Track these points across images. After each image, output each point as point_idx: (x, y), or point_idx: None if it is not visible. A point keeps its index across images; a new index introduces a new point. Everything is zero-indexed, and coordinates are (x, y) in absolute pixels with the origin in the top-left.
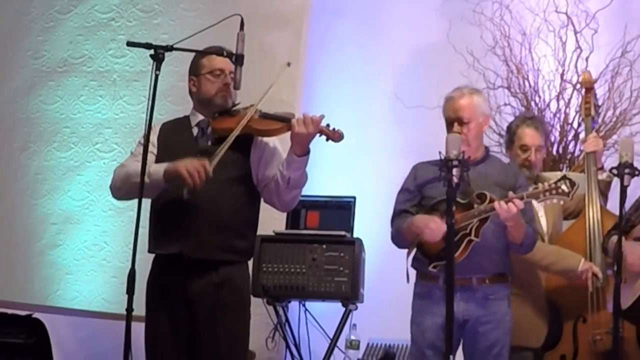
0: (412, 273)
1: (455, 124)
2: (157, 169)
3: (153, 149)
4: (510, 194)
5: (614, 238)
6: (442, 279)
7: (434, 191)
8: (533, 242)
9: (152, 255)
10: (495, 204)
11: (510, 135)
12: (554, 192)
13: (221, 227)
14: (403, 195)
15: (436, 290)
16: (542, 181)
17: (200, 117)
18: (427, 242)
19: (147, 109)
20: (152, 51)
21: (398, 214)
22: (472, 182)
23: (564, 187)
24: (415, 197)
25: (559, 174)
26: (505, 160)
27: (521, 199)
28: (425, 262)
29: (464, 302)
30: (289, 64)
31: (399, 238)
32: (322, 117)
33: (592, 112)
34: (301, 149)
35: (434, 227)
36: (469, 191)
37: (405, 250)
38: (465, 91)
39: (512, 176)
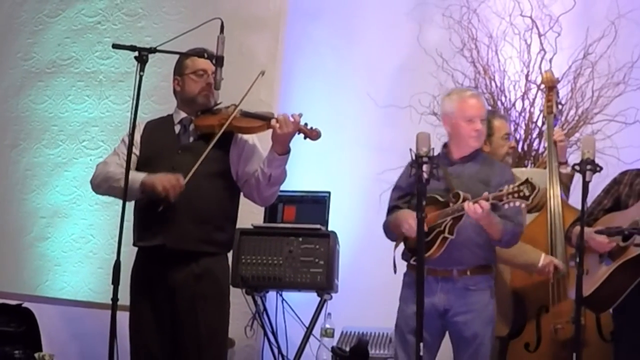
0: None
1: (476, 122)
2: (134, 179)
3: (135, 150)
4: (486, 194)
5: (577, 228)
6: (426, 270)
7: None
8: (513, 237)
9: (137, 248)
10: (465, 204)
11: (487, 129)
12: (516, 195)
13: (201, 220)
14: (395, 193)
15: None
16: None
17: (184, 114)
18: (409, 237)
19: (132, 108)
20: (136, 53)
21: (390, 210)
22: (456, 179)
23: (525, 191)
24: (407, 194)
25: (525, 171)
26: None
27: (486, 200)
28: (409, 255)
29: (444, 293)
30: (262, 73)
31: (388, 232)
32: (300, 115)
33: (554, 109)
34: (282, 148)
35: (412, 223)
36: (451, 188)
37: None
38: (472, 91)
39: (499, 174)
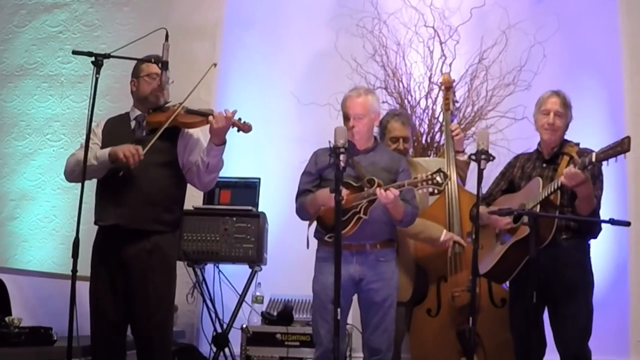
0: (314, 241)
1: (350, 119)
2: (103, 153)
3: (97, 140)
4: (402, 182)
5: (480, 208)
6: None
7: (333, 174)
8: (412, 218)
9: (94, 226)
10: (377, 190)
11: (382, 129)
12: (430, 182)
13: (152, 202)
14: (305, 178)
15: None
16: (411, 165)
17: (138, 112)
18: (325, 215)
19: (89, 106)
20: (93, 58)
21: (301, 193)
22: (363, 168)
23: (438, 178)
24: (315, 179)
25: (428, 160)
26: None
27: (402, 186)
28: (323, 233)
29: (359, 264)
30: (215, 65)
31: (303, 212)
32: (234, 112)
33: (451, 107)
34: (218, 140)
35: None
36: (361, 175)
37: (304, 223)
38: (360, 91)
39: (396, 162)
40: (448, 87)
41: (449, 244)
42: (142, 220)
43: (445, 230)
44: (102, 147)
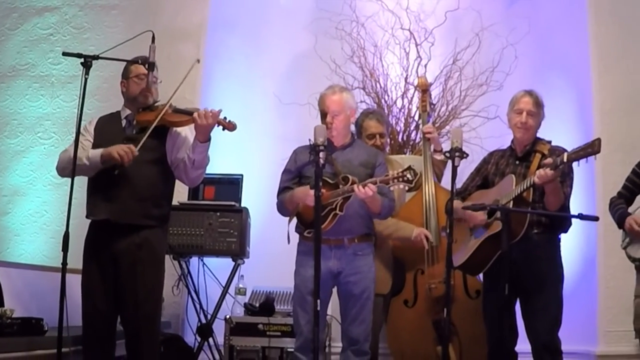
0: (295, 236)
1: (328, 116)
2: (95, 154)
3: (90, 137)
4: (374, 178)
5: (455, 203)
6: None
7: (312, 171)
8: (390, 211)
9: (83, 221)
10: (355, 187)
11: (358, 128)
12: (400, 179)
13: (141, 198)
14: (285, 175)
15: None
16: (389, 162)
17: (128, 111)
18: (303, 212)
19: (79, 105)
20: (82, 60)
21: (282, 190)
22: (340, 164)
23: (408, 175)
24: (295, 176)
25: (404, 157)
26: None
27: (374, 183)
28: (303, 228)
29: (337, 258)
30: (198, 61)
31: (282, 209)
32: (219, 111)
33: (428, 108)
34: (203, 137)
35: (311, 195)
36: (338, 172)
37: (285, 218)
38: (336, 89)
39: (373, 157)
40: (424, 90)
41: (421, 238)
42: (132, 216)
43: (415, 228)
44: (94, 144)
